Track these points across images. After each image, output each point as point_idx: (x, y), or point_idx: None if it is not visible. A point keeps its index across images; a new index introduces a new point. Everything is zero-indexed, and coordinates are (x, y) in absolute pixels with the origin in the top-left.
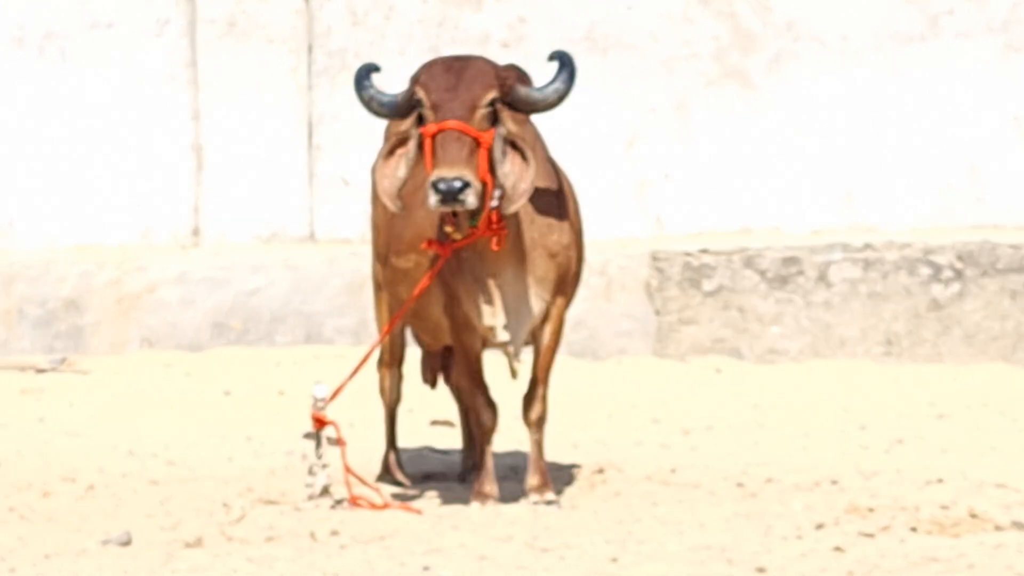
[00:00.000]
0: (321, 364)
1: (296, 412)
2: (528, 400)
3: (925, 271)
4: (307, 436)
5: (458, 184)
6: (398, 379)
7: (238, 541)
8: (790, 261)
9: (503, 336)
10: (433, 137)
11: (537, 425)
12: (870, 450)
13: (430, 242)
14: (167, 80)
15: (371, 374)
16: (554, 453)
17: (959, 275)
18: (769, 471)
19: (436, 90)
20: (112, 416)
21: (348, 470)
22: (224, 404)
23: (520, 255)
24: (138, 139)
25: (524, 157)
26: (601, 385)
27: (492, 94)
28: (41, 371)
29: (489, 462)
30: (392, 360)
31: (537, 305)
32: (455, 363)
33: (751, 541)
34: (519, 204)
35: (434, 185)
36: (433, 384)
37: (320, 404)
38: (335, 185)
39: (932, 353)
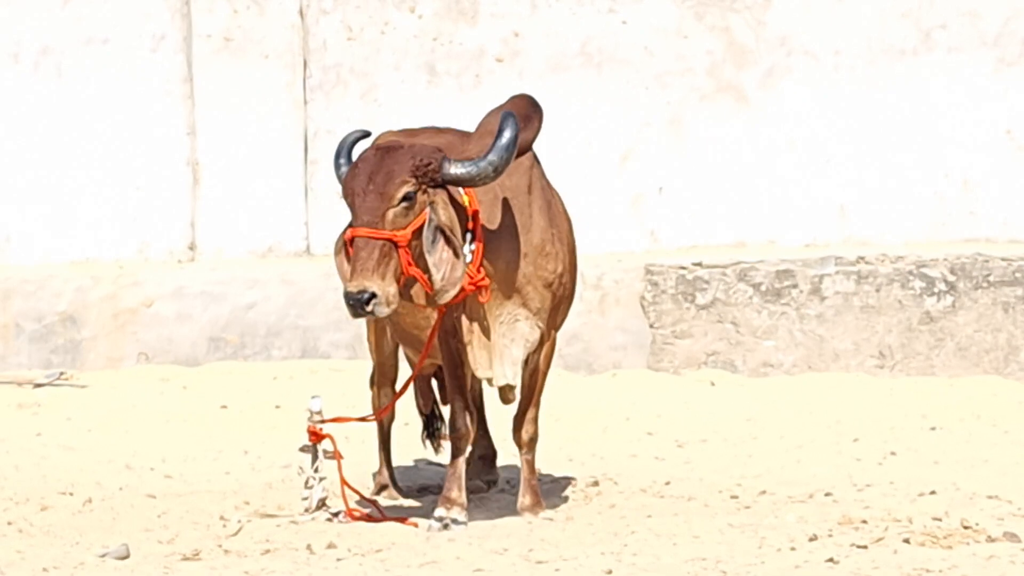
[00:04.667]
0: (317, 378)
1: (292, 426)
2: (518, 421)
3: (918, 284)
4: (303, 449)
5: (364, 296)
6: (392, 399)
7: (235, 554)
8: (784, 274)
9: (501, 381)
10: (349, 243)
11: (528, 445)
12: (863, 462)
13: (439, 306)
14: (163, 95)
15: (365, 391)
16: (549, 466)
17: (952, 288)
18: (763, 483)
19: (352, 193)
20: (109, 430)
21: (344, 483)
22: (221, 418)
23: (512, 293)
24: (134, 154)
25: (454, 248)
26: (596, 398)
27: (405, 189)
28: (38, 386)
29: (460, 468)
30: (384, 380)
31: (533, 335)
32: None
33: (745, 553)
34: (449, 295)
35: (344, 297)
36: (429, 412)
37: (316, 418)
38: (331, 199)
39: (925, 366)
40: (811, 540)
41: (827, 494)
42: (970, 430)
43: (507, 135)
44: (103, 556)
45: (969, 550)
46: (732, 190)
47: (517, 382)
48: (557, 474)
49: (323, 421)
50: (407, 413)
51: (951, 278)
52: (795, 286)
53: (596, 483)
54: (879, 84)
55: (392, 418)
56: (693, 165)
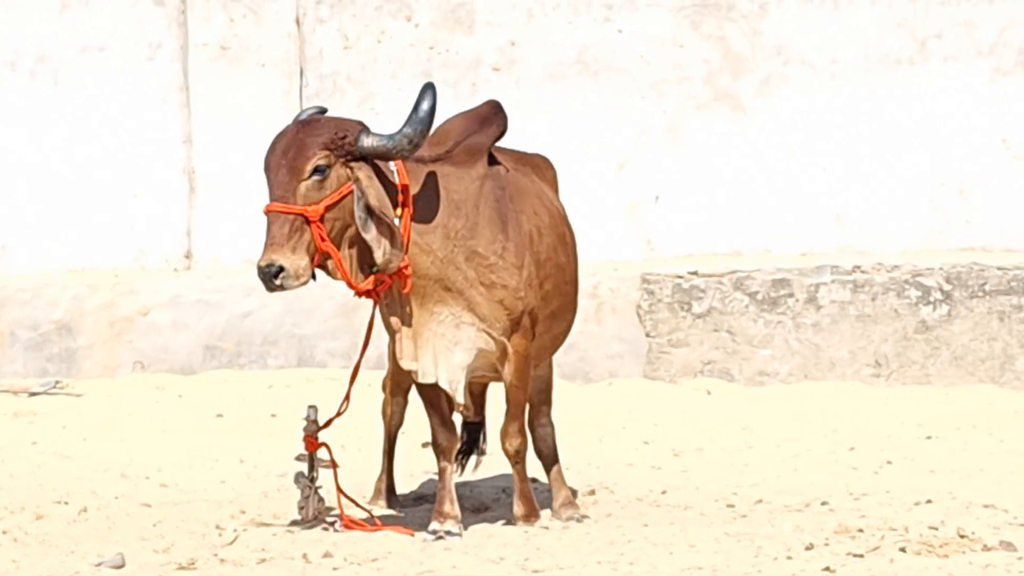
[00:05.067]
0: (313, 387)
1: (288, 434)
2: (503, 434)
3: (914, 293)
4: (299, 458)
5: (271, 269)
6: (402, 406)
7: (231, 563)
8: (780, 283)
9: (427, 378)
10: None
11: (515, 456)
12: (859, 471)
13: (355, 287)
14: (159, 104)
15: (364, 398)
16: (546, 475)
17: (948, 297)
18: (759, 492)
19: (267, 168)
20: (105, 439)
21: (340, 492)
22: (217, 427)
23: (453, 294)
24: (130, 162)
25: (388, 223)
26: (592, 407)
27: (316, 162)
28: (34, 394)
29: (449, 481)
30: (397, 389)
31: (480, 343)
32: None
33: (741, 562)
34: (394, 264)
35: (256, 270)
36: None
37: (311, 427)
38: None
39: (921, 374)
40: (807, 549)
41: (823, 503)
42: (966, 439)
43: (423, 106)
44: (98, 565)
45: (965, 559)
46: (728, 199)
47: (458, 389)
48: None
49: (319, 428)
50: (407, 422)
51: (947, 287)
52: (791, 295)
53: (592, 492)
54: (875, 93)
55: (399, 424)
56: (690, 174)
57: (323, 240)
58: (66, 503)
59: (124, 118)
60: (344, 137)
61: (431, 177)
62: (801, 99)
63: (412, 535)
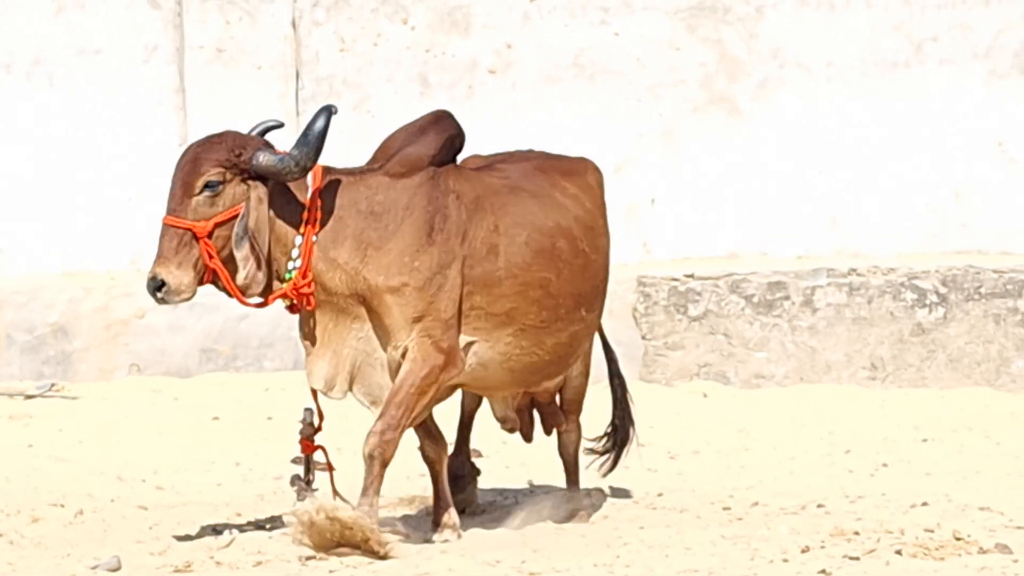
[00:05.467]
0: (309, 390)
1: (285, 437)
2: (368, 432)
3: (910, 296)
4: (296, 461)
5: (154, 284)
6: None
7: (227, 566)
8: (776, 286)
9: (336, 395)
10: None
11: (368, 461)
12: (855, 474)
13: (245, 303)
14: (155, 106)
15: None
16: (543, 478)
17: (943, 300)
18: (755, 495)
19: (171, 180)
20: (101, 442)
21: (337, 495)
22: (213, 429)
23: (366, 310)
24: (126, 165)
25: (256, 251)
26: (588, 410)
27: (206, 178)
28: (30, 397)
29: (444, 492)
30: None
31: (392, 354)
32: None
33: (738, 565)
34: (253, 292)
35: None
36: (528, 438)
37: (308, 429)
38: None
39: (917, 377)
40: (803, 552)
41: (819, 505)
42: (962, 442)
43: (314, 128)
44: (94, 568)
45: (961, 561)
46: (724, 202)
47: (379, 404)
48: (551, 486)
49: (314, 431)
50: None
51: (943, 290)
52: (787, 298)
53: (588, 494)
54: (871, 96)
55: (474, 406)
56: (686, 177)
57: (211, 257)
58: (62, 506)
59: (120, 121)
60: (240, 155)
61: (349, 190)
62: (797, 102)
63: (408, 536)
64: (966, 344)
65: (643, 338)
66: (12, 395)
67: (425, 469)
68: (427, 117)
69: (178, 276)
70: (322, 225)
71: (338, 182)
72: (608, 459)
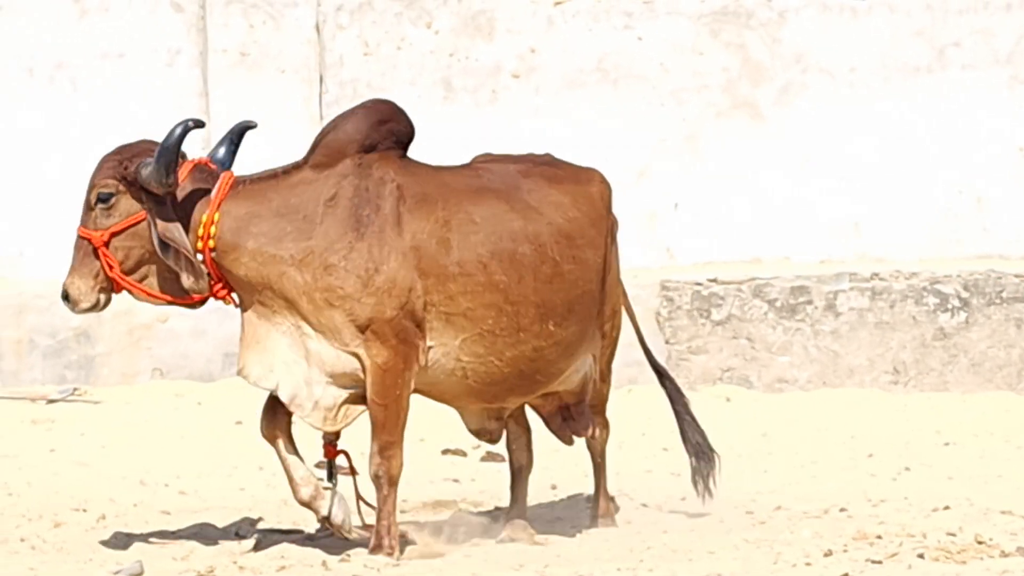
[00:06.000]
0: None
1: (308, 442)
2: (369, 456)
3: (932, 300)
4: (319, 465)
5: (61, 294)
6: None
7: (250, 570)
8: (798, 291)
9: (267, 385)
10: None
11: (375, 481)
12: (878, 478)
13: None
14: (178, 110)
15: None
16: (565, 482)
17: (965, 304)
18: (778, 499)
19: None
20: (123, 446)
21: (360, 498)
22: (235, 434)
23: (291, 305)
24: None
25: (185, 253)
26: (611, 414)
27: (98, 190)
28: (52, 401)
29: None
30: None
31: (327, 355)
32: None
33: (761, 568)
34: (201, 286)
35: None
36: (568, 441)
37: (331, 434)
38: None
39: (939, 382)
40: (826, 555)
41: (842, 509)
42: (984, 446)
43: (163, 143)
44: (117, 573)
45: (983, 565)
46: (747, 206)
47: (304, 405)
48: (573, 491)
49: (337, 436)
50: (423, 428)
51: (964, 294)
52: (810, 302)
53: (612, 498)
54: (893, 101)
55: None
56: (708, 181)
57: (110, 268)
58: (84, 511)
59: (143, 124)
60: (127, 167)
61: (267, 191)
62: (820, 107)
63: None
64: (988, 348)
65: (666, 342)
66: (35, 399)
67: (448, 473)
68: (357, 108)
69: (79, 285)
70: (232, 234)
71: (253, 186)
72: (700, 484)
